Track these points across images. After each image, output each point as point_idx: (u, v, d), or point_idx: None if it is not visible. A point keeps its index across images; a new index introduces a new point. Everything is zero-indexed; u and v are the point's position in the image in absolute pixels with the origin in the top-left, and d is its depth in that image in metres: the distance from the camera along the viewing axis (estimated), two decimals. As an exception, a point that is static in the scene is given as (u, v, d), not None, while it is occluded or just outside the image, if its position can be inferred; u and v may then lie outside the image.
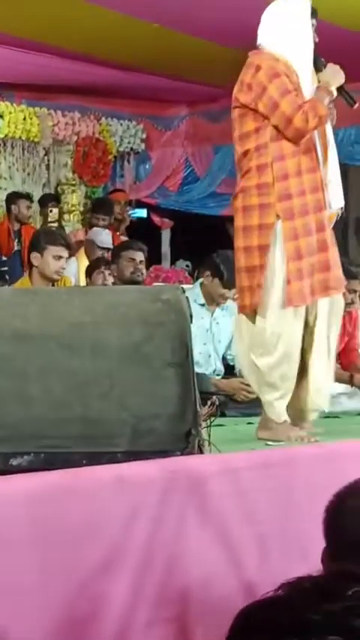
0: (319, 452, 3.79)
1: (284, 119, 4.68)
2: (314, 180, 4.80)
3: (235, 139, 4.90)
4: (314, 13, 4.97)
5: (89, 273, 7.57)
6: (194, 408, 3.18)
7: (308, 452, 3.77)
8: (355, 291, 6.76)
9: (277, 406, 4.74)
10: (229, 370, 6.76)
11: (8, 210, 9.85)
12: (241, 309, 4.85)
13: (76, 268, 8.30)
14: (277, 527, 3.15)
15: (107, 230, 9.57)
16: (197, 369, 3.54)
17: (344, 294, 6.68)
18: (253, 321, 4.75)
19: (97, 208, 10.08)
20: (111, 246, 8.88)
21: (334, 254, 4.88)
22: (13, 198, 9.91)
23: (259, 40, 4.93)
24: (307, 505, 3.17)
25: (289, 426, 4.67)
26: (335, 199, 4.91)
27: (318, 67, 4.94)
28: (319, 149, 4.88)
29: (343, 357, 6.92)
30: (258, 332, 4.72)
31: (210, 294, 6.64)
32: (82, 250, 8.96)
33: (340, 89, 4.94)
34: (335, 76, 4.93)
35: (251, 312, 4.76)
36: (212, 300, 6.66)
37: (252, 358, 4.76)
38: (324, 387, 4.88)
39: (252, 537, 3.05)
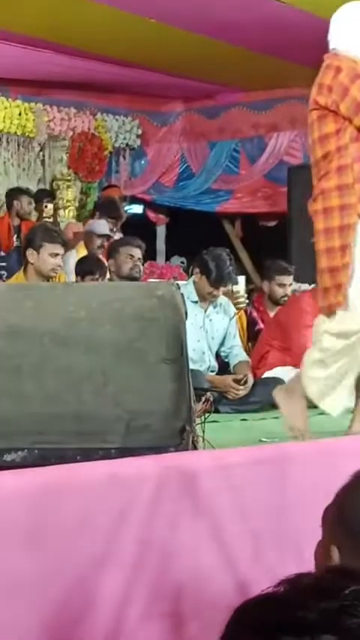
0: (313, 448, 3.78)
1: None
2: None
3: (314, 142, 4.88)
4: None
5: (80, 273, 7.45)
6: (188, 404, 3.18)
7: (302, 448, 3.77)
8: None
9: (315, 388, 4.74)
10: (224, 367, 6.77)
11: (9, 205, 9.83)
12: (323, 309, 4.86)
13: (74, 261, 8.30)
14: (271, 523, 3.15)
15: (104, 220, 9.56)
16: (191, 366, 3.53)
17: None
18: (331, 317, 4.77)
19: (103, 210, 9.94)
20: (109, 234, 8.85)
21: None
22: (15, 193, 9.88)
23: (333, 44, 4.94)
24: (302, 501, 3.17)
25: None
26: None
27: None
28: None
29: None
30: (338, 322, 4.73)
31: (201, 292, 6.64)
32: (81, 243, 8.94)
33: None
34: None
35: (330, 311, 4.77)
36: (204, 298, 6.66)
37: (321, 338, 4.75)
38: None
39: (246, 533, 3.05)
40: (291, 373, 6.55)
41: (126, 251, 7.22)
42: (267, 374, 6.59)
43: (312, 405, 6.50)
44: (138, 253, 7.27)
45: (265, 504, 3.15)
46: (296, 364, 6.63)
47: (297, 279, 8.39)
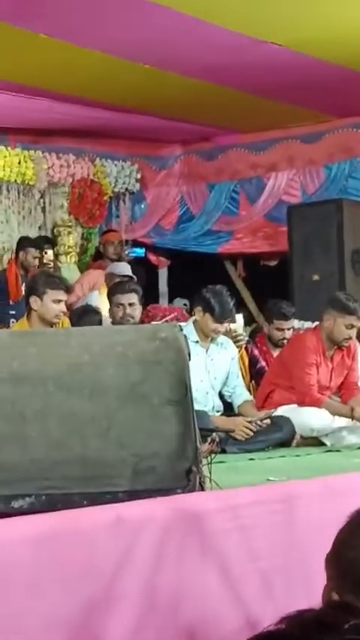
0: (320, 486, 3.78)
1: None
2: None
3: None
4: None
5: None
6: (194, 445, 3.18)
7: (309, 487, 3.76)
8: (352, 326, 6.76)
9: None
10: (228, 406, 6.76)
11: (17, 255, 9.82)
12: None
13: (97, 301, 8.33)
14: (280, 563, 3.14)
15: (125, 262, 9.59)
16: (196, 406, 3.53)
17: (348, 328, 6.71)
18: None
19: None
20: (130, 274, 8.82)
21: None
22: (23, 243, 9.85)
23: None
24: (309, 540, 3.16)
25: None
26: None
27: None
28: None
29: (344, 390, 6.92)
30: None
31: (203, 330, 6.63)
32: (104, 284, 8.91)
33: None
34: None
35: None
36: (206, 336, 6.65)
37: None
38: None
39: (254, 574, 3.04)
40: (296, 411, 6.55)
41: (116, 300, 7.18)
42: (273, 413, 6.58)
43: (317, 443, 6.50)
44: (129, 299, 7.17)
45: (273, 543, 3.15)
46: (301, 403, 6.64)
47: (300, 318, 8.40)
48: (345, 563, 1.71)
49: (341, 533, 1.81)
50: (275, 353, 7.66)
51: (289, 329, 7.83)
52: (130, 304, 7.14)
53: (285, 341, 7.67)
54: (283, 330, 7.80)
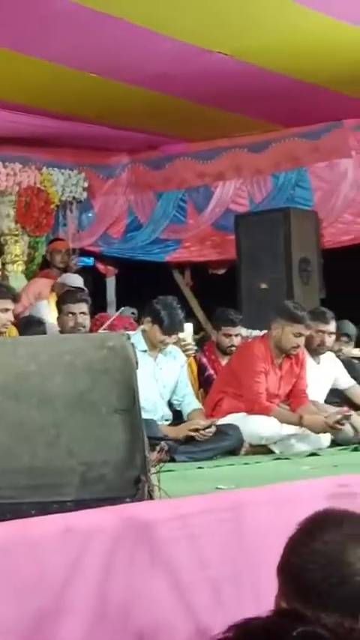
0: (269, 495, 3.78)
1: None
2: None
3: None
4: None
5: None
6: (143, 453, 3.17)
7: (258, 495, 3.76)
8: (300, 335, 6.78)
9: None
10: (177, 415, 6.76)
11: None
12: None
13: (47, 312, 8.29)
14: (229, 571, 3.14)
15: (77, 275, 9.54)
16: (145, 416, 3.53)
17: (296, 336, 6.74)
18: None
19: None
20: (81, 286, 8.79)
21: None
22: None
23: None
24: (258, 548, 3.16)
25: None
26: None
27: None
28: None
29: (293, 398, 6.94)
30: None
31: (151, 340, 6.63)
32: (53, 294, 8.86)
33: None
34: None
35: None
36: (154, 346, 6.65)
37: None
38: None
39: (204, 582, 3.03)
40: (245, 419, 6.56)
41: (66, 309, 7.15)
42: (221, 421, 6.59)
43: (266, 451, 6.51)
44: (79, 308, 7.15)
45: (223, 552, 3.14)
46: (250, 411, 6.65)
47: (248, 326, 8.42)
48: (292, 571, 1.71)
49: (290, 541, 1.81)
50: (224, 361, 7.67)
51: (236, 335, 7.85)
52: (82, 313, 7.12)
53: (233, 348, 7.69)
54: (230, 336, 7.82)
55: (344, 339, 8.53)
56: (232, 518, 3.29)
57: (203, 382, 7.66)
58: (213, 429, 6.34)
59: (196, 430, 6.30)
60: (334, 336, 7.56)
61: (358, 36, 7.52)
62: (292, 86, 8.59)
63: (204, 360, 7.83)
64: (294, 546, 1.72)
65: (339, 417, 6.63)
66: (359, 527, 1.69)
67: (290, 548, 1.73)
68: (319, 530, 1.72)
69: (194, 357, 7.73)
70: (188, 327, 7.72)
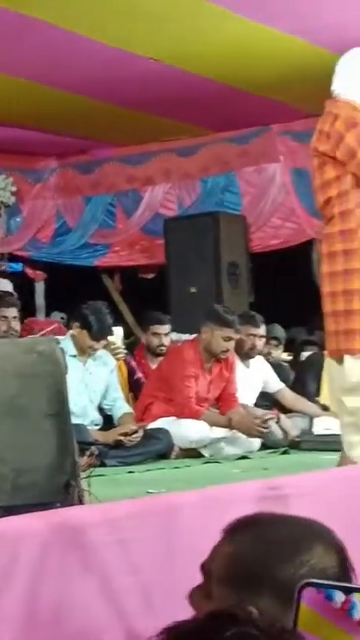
0: (199, 498, 3.78)
1: None
2: None
3: (317, 188, 4.95)
4: None
5: None
6: (73, 458, 3.16)
7: (189, 498, 3.76)
8: (230, 339, 6.82)
9: (357, 448, 4.79)
10: (108, 420, 6.75)
11: None
12: (330, 353, 4.92)
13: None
14: (161, 575, 3.13)
15: (7, 280, 9.47)
16: (74, 420, 3.52)
17: (226, 340, 6.77)
18: (340, 364, 4.81)
19: None
20: (10, 291, 8.74)
21: None
22: None
23: (336, 89, 4.98)
24: (190, 551, 3.16)
25: None
26: None
27: None
28: None
29: (222, 402, 6.97)
30: (347, 374, 4.78)
31: (81, 345, 6.62)
32: None
33: None
34: None
35: (338, 356, 4.83)
36: (83, 351, 6.64)
37: (341, 399, 4.80)
38: None
39: (135, 587, 3.02)
40: (175, 423, 6.58)
41: None
42: (151, 425, 6.59)
43: (196, 455, 6.53)
44: (10, 312, 7.15)
45: (155, 555, 3.14)
46: (180, 414, 6.66)
47: (177, 330, 8.44)
48: (223, 573, 1.71)
49: (218, 544, 1.81)
50: (154, 365, 7.68)
51: (165, 334, 7.87)
52: (14, 317, 7.11)
53: (163, 348, 7.72)
54: (159, 335, 7.85)
55: (273, 342, 8.59)
56: (163, 522, 3.29)
57: (132, 386, 7.66)
58: (141, 434, 6.35)
59: (126, 435, 6.30)
60: (264, 340, 7.61)
61: (284, 42, 7.59)
62: (221, 91, 8.62)
63: (133, 363, 7.84)
64: (228, 551, 1.72)
65: (266, 417, 6.69)
66: (289, 529, 1.70)
67: (225, 554, 1.73)
68: (248, 532, 1.73)
69: (124, 360, 7.74)
70: (118, 330, 7.73)
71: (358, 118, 4.86)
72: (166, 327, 7.97)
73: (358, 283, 4.80)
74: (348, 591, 1.30)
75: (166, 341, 7.86)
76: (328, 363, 5.02)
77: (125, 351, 7.84)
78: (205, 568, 1.73)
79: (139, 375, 7.75)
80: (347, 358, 4.83)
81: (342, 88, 4.97)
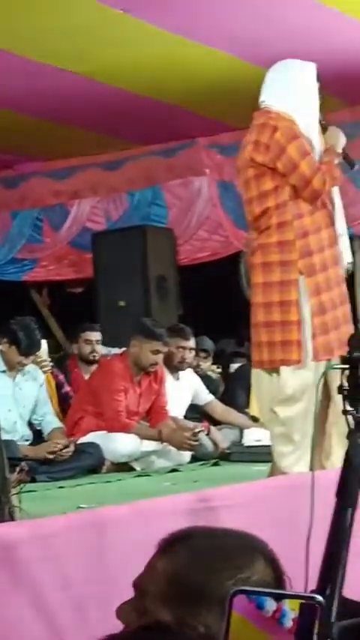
0: (131, 511, 3.78)
1: (303, 180, 4.80)
2: (331, 235, 4.93)
3: (252, 198, 4.95)
4: (318, 77, 5.03)
5: None
6: (3, 474, 3.15)
7: (121, 512, 3.77)
8: (158, 352, 6.83)
9: (288, 458, 4.79)
10: (38, 435, 6.72)
11: None
12: (259, 364, 4.90)
13: None
14: (93, 589, 3.13)
15: None
16: (4, 436, 3.49)
17: (154, 353, 6.78)
18: (270, 375, 4.82)
19: None
20: None
21: (349, 307, 5.03)
22: None
23: (266, 101, 4.98)
24: (122, 565, 3.16)
25: None
26: (345, 253, 5.06)
27: (321, 129, 5.04)
28: (328, 204, 4.99)
29: (153, 415, 6.97)
30: (282, 385, 4.79)
31: (9, 361, 6.59)
32: None
33: (341, 151, 5.04)
34: (339, 138, 5.04)
35: (271, 366, 4.83)
36: (12, 367, 6.61)
37: (273, 409, 4.80)
38: (333, 452, 4.87)
39: (68, 602, 3.02)
40: (106, 437, 6.56)
41: None
42: (82, 440, 6.58)
43: (127, 468, 6.53)
44: None
45: (86, 570, 3.14)
46: (110, 428, 6.65)
47: (106, 344, 8.43)
48: (157, 588, 1.71)
49: (153, 558, 1.81)
50: (87, 374, 7.68)
51: (97, 341, 7.90)
52: None
53: (95, 354, 7.76)
54: (91, 342, 7.89)
55: (202, 354, 8.62)
56: (95, 536, 3.29)
57: (61, 399, 7.63)
58: (72, 448, 6.33)
59: (54, 453, 6.26)
60: (193, 352, 7.63)
61: (209, 55, 7.63)
62: (146, 105, 8.65)
63: (61, 377, 7.82)
64: (158, 565, 1.72)
65: (197, 430, 6.71)
66: (226, 543, 1.71)
67: (160, 570, 1.73)
68: (184, 548, 1.73)
69: (51, 373, 7.70)
70: (43, 343, 7.71)
71: (296, 130, 4.92)
72: (97, 334, 8.03)
73: (295, 294, 4.84)
74: (278, 598, 1.31)
75: (99, 349, 7.90)
76: (257, 374, 5.05)
77: (52, 364, 7.81)
78: (138, 584, 1.73)
79: (67, 388, 7.73)
80: (284, 369, 4.87)
81: (274, 100, 5.02)
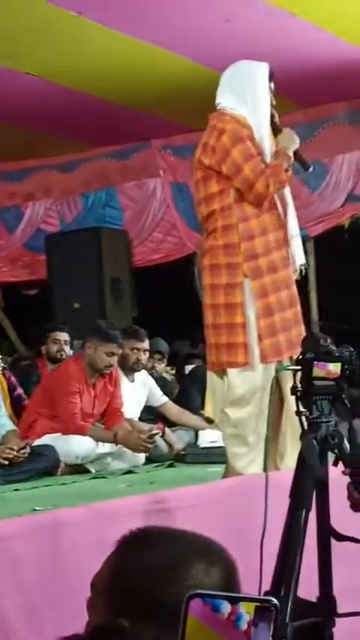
0: (87, 513, 3.79)
1: (247, 183, 4.78)
2: (279, 237, 4.92)
3: (200, 200, 4.95)
4: (271, 77, 5.01)
5: None
6: None
7: (75, 514, 3.77)
8: (113, 354, 6.83)
9: (243, 459, 4.81)
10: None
11: None
12: (210, 366, 4.92)
13: None
14: (49, 592, 3.13)
15: None
16: None
17: (109, 355, 6.78)
18: (222, 377, 4.82)
19: None
20: None
21: (299, 308, 5.04)
22: None
23: (221, 103, 4.97)
24: (78, 568, 3.16)
25: None
26: (298, 254, 5.05)
27: (274, 130, 5.01)
28: (279, 206, 4.98)
29: (108, 417, 6.96)
30: (231, 387, 4.79)
31: None
32: None
33: (295, 153, 5.01)
34: (291, 139, 5.01)
35: (219, 369, 4.83)
36: None
37: (225, 411, 4.81)
38: (287, 454, 4.87)
39: (22, 603, 3.02)
40: (61, 440, 6.55)
41: None
42: (37, 442, 6.56)
43: (83, 470, 6.52)
44: None
45: (42, 572, 3.14)
46: (65, 431, 6.64)
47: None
48: (113, 589, 1.72)
49: (108, 559, 1.82)
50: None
51: (65, 342, 8.01)
52: None
53: (62, 353, 7.84)
54: (59, 341, 7.97)
55: (157, 356, 8.63)
56: (50, 538, 3.29)
57: (13, 402, 7.61)
58: (28, 450, 6.31)
59: (8, 458, 6.24)
60: (148, 354, 7.64)
61: (164, 58, 7.65)
62: (100, 107, 8.65)
63: (13, 379, 7.79)
64: (112, 564, 1.73)
65: (152, 432, 6.72)
66: (172, 547, 1.72)
67: (109, 567, 1.74)
68: (135, 547, 1.74)
69: (3, 374, 7.67)
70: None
71: (244, 133, 4.93)
72: (65, 335, 8.10)
73: (240, 297, 4.85)
74: (233, 601, 1.32)
75: (66, 348, 7.97)
76: (210, 376, 5.08)
77: (4, 365, 7.79)
78: (93, 580, 1.74)
79: (20, 391, 7.71)
80: (231, 371, 4.89)
81: (227, 101, 5.03)
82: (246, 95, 5.01)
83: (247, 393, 4.85)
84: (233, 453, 4.92)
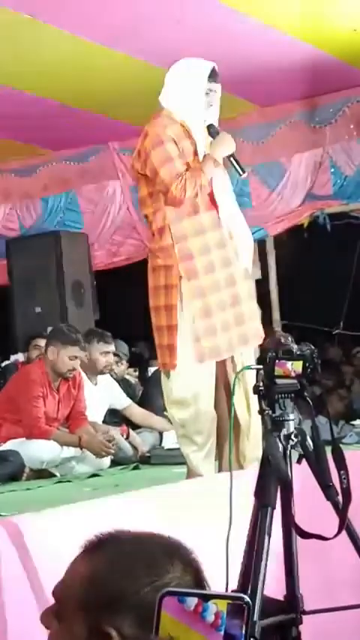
0: (52, 518, 3.78)
1: (163, 187, 4.79)
2: (218, 236, 4.89)
3: (139, 204, 4.96)
4: (213, 76, 4.94)
5: None
6: None
7: (41, 519, 3.76)
8: (75, 357, 6.81)
9: (194, 459, 4.87)
10: None
11: None
12: (160, 366, 5.03)
13: None
14: (14, 598, 3.12)
15: None
16: None
17: (72, 359, 6.78)
18: (168, 378, 4.83)
19: None
20: None
21: (250, 306, 5.00)
22: None
23: (162, 102, 4.97)
24: (43, 573, 3.16)
25: None
26: (244, 256, 5.03)
27: (211, 133, 4.98)
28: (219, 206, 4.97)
29: (72, 421, 6.95)
30: (173, 388, 4.80)
31: None
32: None
33: (229, 157, 4.97)
34: (224, 144, 4.97)
35: (164, 369, 4.84)
36: None
37: (170, 412, 4.88)
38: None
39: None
40: (25, 444, 6.53)
41: None
42: (1, 447, 6.54)
43: (47, 475, 6.51)
44: None
45: (7, 579, 3.13)
46: (29, 435, 6.62)
47: (24, 350, 8.42)
48: (79, 593, 1.71)
49: (74, 563, 1.81)
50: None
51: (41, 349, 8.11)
52: None
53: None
54: (40, 347, 7.99)
55: (115, 358, 8.63)
56: (16, 544, 3.28)
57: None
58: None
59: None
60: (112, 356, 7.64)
61: (120, 60, 7.65)
62: (58, 110, 8.63)
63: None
64: (83, 573, 1.72)
65: (109, 432, 6.76)
66: (146, 548, 1.71)
67: (80, 576, 1.73)
68: (105, 552, 1.73)
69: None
70: None
71: (165, 134, 4.91)
72: (42, 341, 8.11)
73: (175, 298, 4.88)
74: (206, 598, 1.35)
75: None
76: (162, 377, 5.12)
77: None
78: (57, 589, 1.73)
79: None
80: (172, 372, 4.92)
81: (165, 101, 5.05)
82: (178, 94, 5.00)
83: (187, 394, 4.88)
84: (185, 453, 4.99)
